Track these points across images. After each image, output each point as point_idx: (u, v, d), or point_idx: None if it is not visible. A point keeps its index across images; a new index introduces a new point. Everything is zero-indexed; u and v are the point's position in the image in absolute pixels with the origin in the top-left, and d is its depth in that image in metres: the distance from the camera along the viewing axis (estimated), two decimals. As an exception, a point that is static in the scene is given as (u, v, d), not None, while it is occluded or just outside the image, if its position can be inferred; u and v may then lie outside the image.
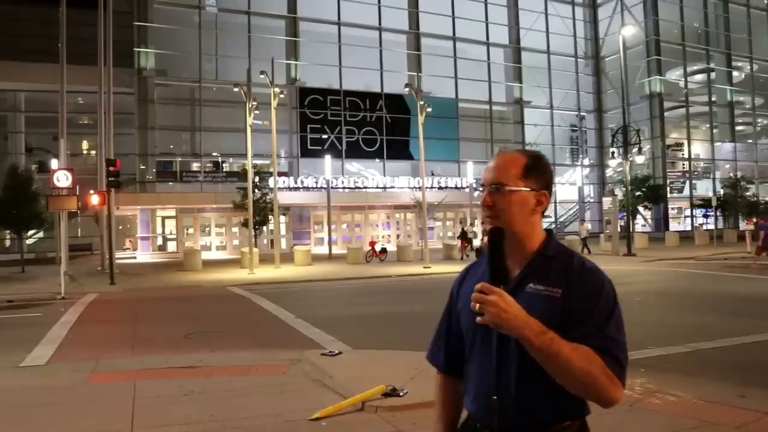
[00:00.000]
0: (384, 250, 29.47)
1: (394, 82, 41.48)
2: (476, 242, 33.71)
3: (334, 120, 41.52)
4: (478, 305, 1.63)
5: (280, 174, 34.71)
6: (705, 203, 43.60)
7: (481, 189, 1.85)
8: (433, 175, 39.03)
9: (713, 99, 51.69)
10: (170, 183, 38.65)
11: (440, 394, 2.04)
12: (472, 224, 40.88)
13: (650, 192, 43.09)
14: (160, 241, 37.91)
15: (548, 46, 49.68)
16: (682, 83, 50.49)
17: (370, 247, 29.41)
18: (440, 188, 39.43)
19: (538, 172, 1.82)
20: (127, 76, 36.26)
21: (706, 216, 48.21)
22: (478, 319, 1.64)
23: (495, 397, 1.73)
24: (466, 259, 27.79)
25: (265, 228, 32.69)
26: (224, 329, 11.40)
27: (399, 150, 42.74)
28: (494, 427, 1.74)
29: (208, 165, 39.74)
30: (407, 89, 28.97)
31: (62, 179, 19.83)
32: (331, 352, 8.13)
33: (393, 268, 24.81)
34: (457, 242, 30.50)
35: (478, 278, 1.84)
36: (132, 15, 37.17)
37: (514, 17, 48.83)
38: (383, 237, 39.91)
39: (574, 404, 1.75)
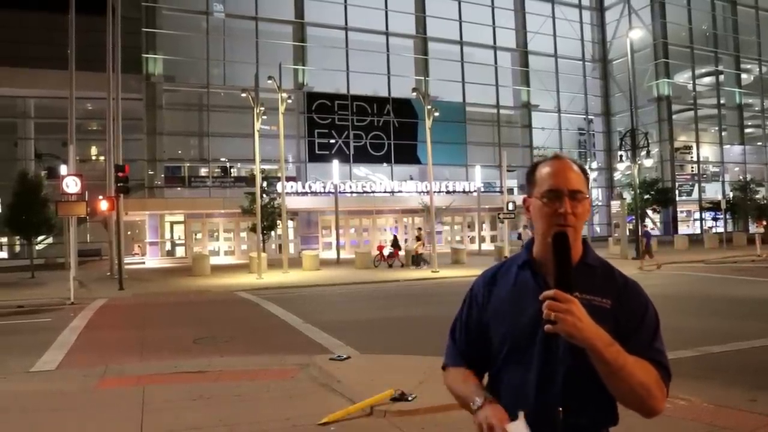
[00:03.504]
0: (392, 255, 29.46)
1: (401, 87, 41.49)
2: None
3: (341, 125, 41.57)
4: (554, 314, 1.53)
5: (288, 179, 34.78)
6: (714, 206, 43.39)
7: (546, 196, 1.75)
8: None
9: (722, 101, 51.43)
10: (178, 188, 38.83)
11: (463, 374, 1.88)
12: (481, 228, 40.78)
13: (659, 195, 42.86)
14: (168, 247, 38.01)
15: (555, 50, 49.61)
16: (690, 86, 50.31)
17: (378, 252, 29.42)
18: (448, 192, 39.42)
19: (588, 181, 1.84)
20: (136, 82, 36.48)
21: (715, 219, 47.94)
22: (548, 327, 1.54)
23: (561, 409, 1.67)
24: (396, 267, 27.65)
25: (273, 233, 32.73)
26: (233, 334, 11.42)
27: (406, 154, 42.74)
28: None
29: (216, 170, 39.88)
30: (414, 93, 28.93)
31: (71, 185, 19.88)
32: (339, 356, 8.14)
33: (401, 272, 24.82)
34: (464, 247, 30.41)
35: (510, 286, 1.81)
36: (140, 21, 37.41)
37: (521, 21, 48.80)
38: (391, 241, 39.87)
39: (611, 413, 1.75)
